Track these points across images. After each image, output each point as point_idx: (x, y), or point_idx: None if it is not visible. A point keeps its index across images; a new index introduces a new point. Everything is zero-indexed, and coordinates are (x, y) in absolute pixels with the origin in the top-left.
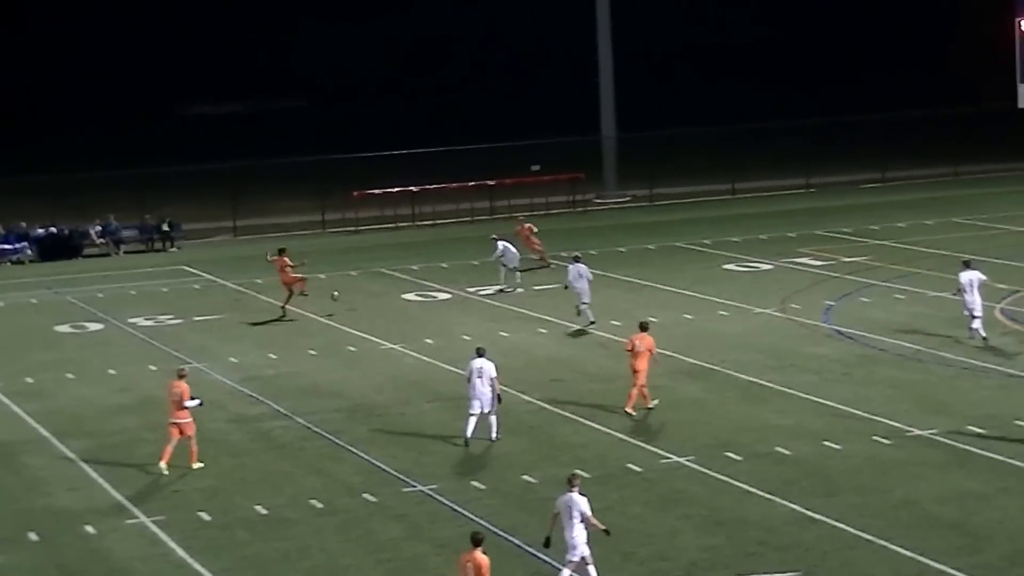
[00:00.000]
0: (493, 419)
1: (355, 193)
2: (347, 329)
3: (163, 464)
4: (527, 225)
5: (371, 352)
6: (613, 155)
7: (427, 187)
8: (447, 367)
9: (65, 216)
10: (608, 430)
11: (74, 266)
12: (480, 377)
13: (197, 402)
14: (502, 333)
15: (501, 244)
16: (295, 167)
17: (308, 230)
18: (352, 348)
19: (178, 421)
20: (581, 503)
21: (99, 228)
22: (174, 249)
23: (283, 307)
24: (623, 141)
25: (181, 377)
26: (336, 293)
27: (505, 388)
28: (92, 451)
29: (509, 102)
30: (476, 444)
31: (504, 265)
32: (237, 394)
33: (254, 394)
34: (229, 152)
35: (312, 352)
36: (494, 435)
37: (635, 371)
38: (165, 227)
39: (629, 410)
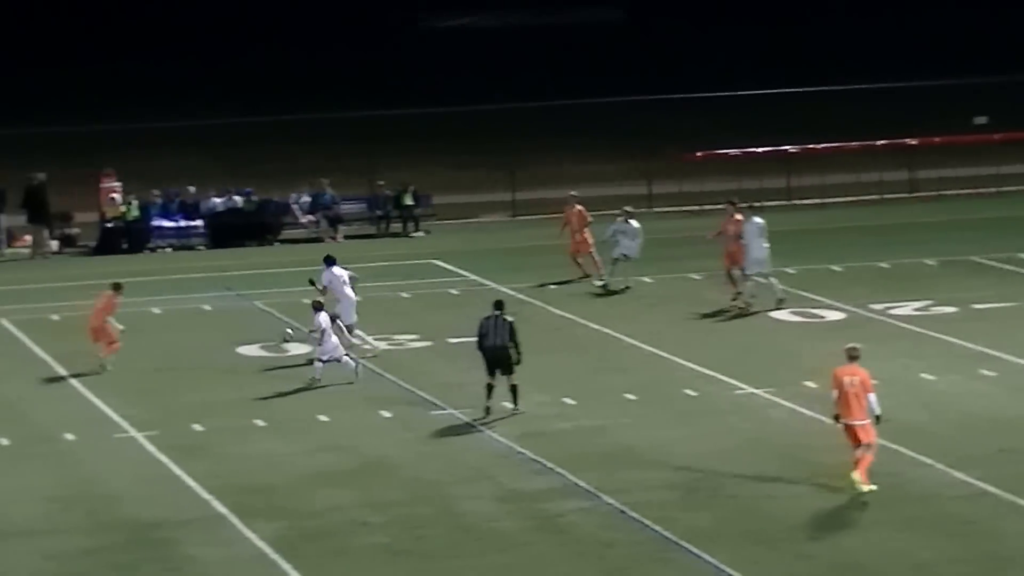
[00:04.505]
0: None
1: (697, 154)
2: (682, 362)
3: (857, 476)
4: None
5: (719, 398)
6: None
7: (811, 147)
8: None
9: (254, 180)
10: None
11: (268, 256)
12: None
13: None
14: (924, 375)
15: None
16: (600, 112)
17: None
18: (690, 392)
19: (854, 423)
20: None
21: (306, 200)
22: (419, 233)
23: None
24: None
25: (852, 360)
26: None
27: (927, 460)
28: (289, 539)
29: (927, 17)
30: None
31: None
32: (512, 458)
33: (538, 458)
34: (500, 87)
35: (629, 396)
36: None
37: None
38: (407, 200)
39: None
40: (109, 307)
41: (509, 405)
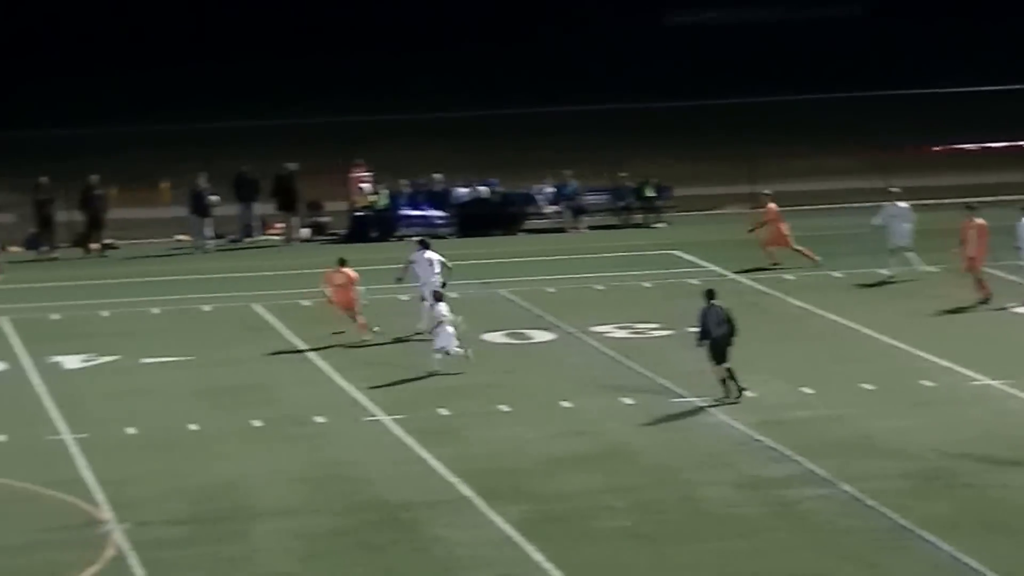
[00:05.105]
0: None
1: (935, 149)
2: (919, 353)
3: None
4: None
5: (957, 389)
6: None
7: None
8: None
9: (499, 171)
10: None
11: (512, 245)
12: None
13: None
14: None
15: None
16: (839, 107)
17: (858, 201)
18: (928, 383)
19: None
20: None
21: (551, 191)
22: (661, 225)
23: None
24: None
25: None
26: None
27: None
28: (533, 521)
29: None
30: None
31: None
32: (750, 445)
33: (776, 446)
34: (740, 81)
35: (867, 386)
36: None
37: None
38: (649, 192)
39: None
40: (350, 280)
41: (735, 390)
